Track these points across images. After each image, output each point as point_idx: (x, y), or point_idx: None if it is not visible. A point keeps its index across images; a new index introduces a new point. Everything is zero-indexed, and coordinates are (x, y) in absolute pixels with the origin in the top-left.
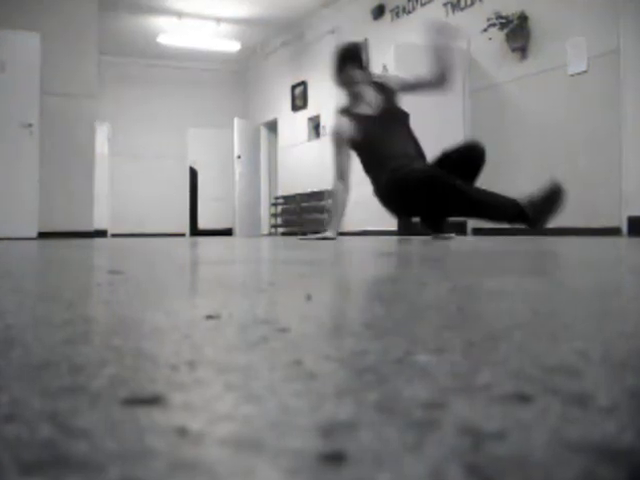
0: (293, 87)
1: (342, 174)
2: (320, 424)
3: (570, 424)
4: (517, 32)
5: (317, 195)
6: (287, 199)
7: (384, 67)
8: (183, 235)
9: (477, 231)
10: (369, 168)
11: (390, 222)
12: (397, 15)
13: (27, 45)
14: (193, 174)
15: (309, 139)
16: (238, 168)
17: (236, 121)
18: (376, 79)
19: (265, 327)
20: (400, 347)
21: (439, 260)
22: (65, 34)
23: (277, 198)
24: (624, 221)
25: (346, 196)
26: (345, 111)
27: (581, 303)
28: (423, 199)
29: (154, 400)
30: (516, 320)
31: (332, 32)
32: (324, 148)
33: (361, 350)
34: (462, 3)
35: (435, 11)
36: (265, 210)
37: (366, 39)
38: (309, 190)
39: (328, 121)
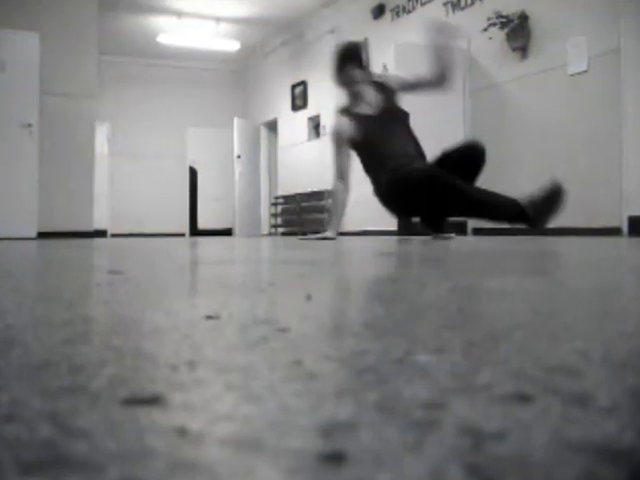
0: (293, 87)
1: (342, 174)
2: (320, 424)
3: (570, 424)
4: (517, 32)
5: (317, 195)
6: (287, 199)
7: (384, 67)
8: (183, 235)
9: (477, 231)
10: (369, 168)
11: (390, 222)
12: (397, 15)
13: (27, 45)
14: (193, 174)
15: (309, 139)
16: (238, 168)
17: (236, 121)
18: (376, 79)
19: (265, 327)
20: (400, 347)
21: (439, 260)
22: (65, 34)
23: (277, 198)
24: (624, 221)
25: (346, 196)
26: (345, 111)
27: (581, 303)
28: (423, 199)
29: (154, 400)
30: (516, 320)
31: (332, 32)
32: (324, 148)
33: (361, 350)
34: (462, 2)
35: (435, 10)
36: (265, 210)
37: (366, 39)
38: (309, 190)
39: (328, 121)
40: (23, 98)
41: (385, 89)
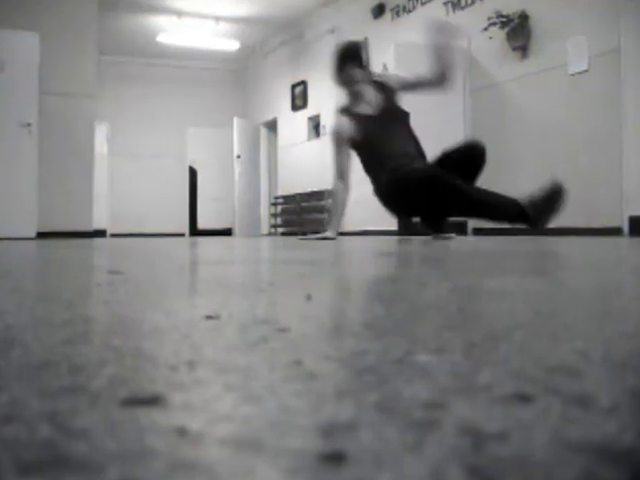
0: (293, 86)
1: (342, 174)
2: (320, 424)
3: (571, 424)
4: (518, 31)
5: (317, 195)
6: (287, 199)
7: (384, 66)
8: (182, 235)
9: (477, 231)
10: (369, 168)
11: (390, 222)
12: (397, 14)
13: (26, 45)
14: (192, 174)
15: (309, 139)
16: (238, 168)
17: (236, 120)
18: (376, 78)
19: (265, 327)
20: (400, 347)
21: (439, 260)
22: (64, 34)
23: (277, 198)
24: (625, 221)
25: (346, 196)
26: (345, 110)
27: (582, 303)
28: (423, 198)
29: (154, 400)
30: (517, 320)
31: (332, 31)
32: (324, 148)
33: (361, 350)
34: (462, 2)
35: (435, 10)
36: (265, 210)
37: (366, 38)
38: (309, 190)
39: (328, 121)
40: (22, 98)
41: (385, 89)
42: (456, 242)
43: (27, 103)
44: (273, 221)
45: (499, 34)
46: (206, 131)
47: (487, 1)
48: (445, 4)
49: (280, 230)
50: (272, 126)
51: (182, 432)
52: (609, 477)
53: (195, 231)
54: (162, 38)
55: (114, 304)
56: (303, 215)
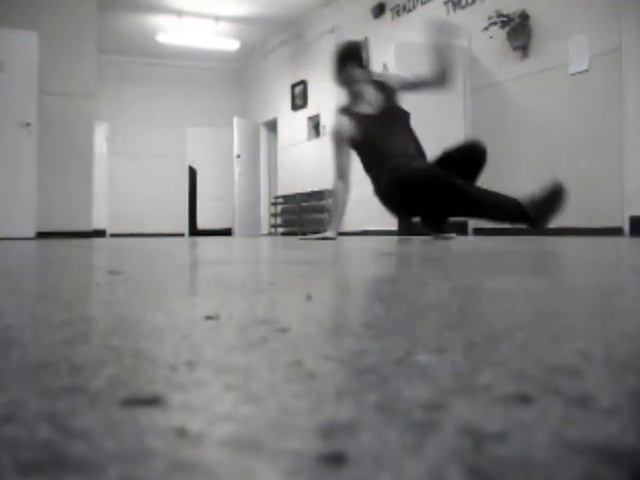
0: (293, 86)
1: (342, 173)
2: (320, 425)
3: (572, 425)
4: (518, 30)
5: (317, 195)
6: (287, 199)
7: (384, 66)
8: (182, 235)
9: (478, 231)
10: (369, 167)
11: (390, 222)
12: (397, 14)
13: (25, 44)
14: (192, 173)
15: (309, 138)
16: (237, 167)
17: (235, 120)
18: (376, 78)
19: (265, 327)
20: (400, 347)
21: (440, 260)
22: (64, 33)
23: (277, 198)
24: (626, 221)
25: (346, 195)
26: (345, 110)
27: (582, 303)
28: (424, 198)
29: (153, 401)
30: (517, 320)
31: (332, 31)
32: (324, 147)
33: (361, 350)
34: (463, 1)
35: (436, 9)
36: (265, 210)
37: (366, 38)
38: (309, 190)
39: (328, 120)
40: (22, 97)
41: (385, 88)
42: (456, 242)
43: (26, 103)
44: (273, 221)
45: (499, 33)
46: (206, 131)
47: (487, 0)
48: (445, 3)
49: (280, 230)
50: (272, 126)
51: (182, 433)
52: (610, 478)
53: (195, 231)
54: (162, 38)
55: (114, 304)
56: (303, 215)
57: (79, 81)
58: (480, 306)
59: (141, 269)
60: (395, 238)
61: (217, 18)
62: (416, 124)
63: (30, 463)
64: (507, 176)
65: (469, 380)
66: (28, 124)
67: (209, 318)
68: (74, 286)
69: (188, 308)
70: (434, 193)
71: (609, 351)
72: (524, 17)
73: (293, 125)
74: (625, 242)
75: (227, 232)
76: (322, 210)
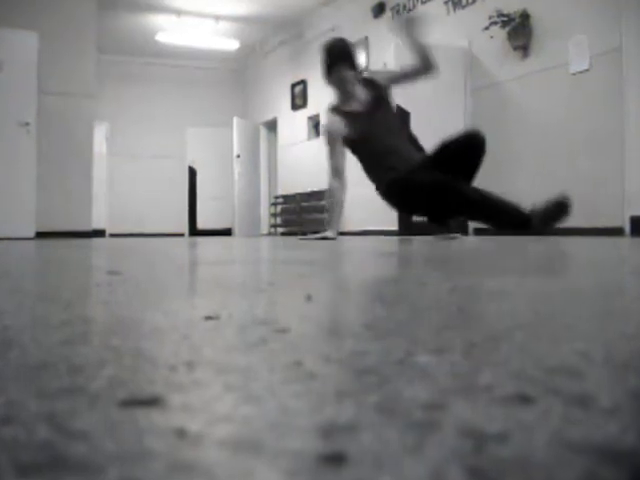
0: (293, 86)
1: (337, 172)
2: (320, 425)
3: (572, 425)
4: (519, 30)
5: (317, 194)
6: (287, 198)
7: (384, 65)
8: (182, 235)
9: (479, 231)
10: (368, 169)
11: (390, 222)
12: (397, 13)
13: (25, 44)
14: (192, 173)
15: (309, 138)
16: (237, 167)
17: (235, 120)
18: (365, 75)
19: (265, 328)
20: (401, 348)
21: (440, 260)
22: (63, 33)
23: (277, 197)
24: (627, 221)
25: (343, 194)
26: (335, 109)
27: (583, 303)
28: (426, 202)
29: (153, 401)
30: (517, 320)
31: (332, 30)
32: (324, 147)
33: (361, 351)
34: (463, 1)
35: (436, 9)
36: (265, 210)
37: (366, 37)
38: (309, 189)
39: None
40: (21, 97)
41: (374, 85)
42: (457, 242)
43: (26, 102)
44: (273, 221)
45: (500, 33)
46: (206, 131)
47: (488, 0)
48: (445, 3)
49: (280, 230)
50: (272, 126)
51: (181, 433)
52: (610, 478)
53: (194, 231)
54: (161, 37)
55: (113, 304)
56: (303, 215)
57: (79, 81)
58: (480, 306)
59: (141, 269)
60: (395, 238)
61: (217, 18)
62: (417, 124)
63: (29, 464)
64: (507, 176)
65: (469, 380)
66: (27, 124)
67: (209, 318)
68: (73, 286)
69: (188, 308)
70: (437, 199)
71: (609, 351)
72: (525, 17)
73: (293, 125)
74: (626, 242)
75: (227, 232)
76: (322, 210)
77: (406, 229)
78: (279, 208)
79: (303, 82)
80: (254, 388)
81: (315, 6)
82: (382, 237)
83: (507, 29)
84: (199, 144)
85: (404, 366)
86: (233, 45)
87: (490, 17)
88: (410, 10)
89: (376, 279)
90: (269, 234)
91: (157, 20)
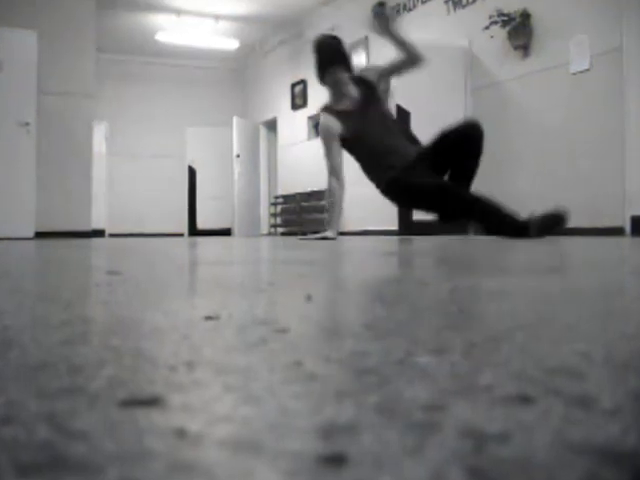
0: (293, 85)
1: (335, 172)
2: (320, 426)
3: (573, 426)
4: (519, 30)
5: (317, 194)
6: (287, 198)
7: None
8: (181, 235)
9: (478, 231)
10: (365, 167)
11: (390, 222)
12: (398, 12)
13: (24, 43)
14: (192, 173)
15: (309, 138)
16: (237, 167)
17: (235, 120)
18: (356, 74)
19: (264, 328)
20: (401, 348)
21: (440, 260)
22: (63, 32)
23: (277, 197)
24: (627, 221)
25: (342, 193)
26: (328, 109)
27: (583, 304)
28: (426, 205)
29: (153, 401)
30: (518, 321)
31: (332, 30)
32: (321, 147)
33: (361, 351)
34: (464, 0)
35: (436, 8)
36: (264, 210)
37: (366, 37)
38: (309, 189)
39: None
40: (21, 97)
41: (365, 83)
42: (457, 242)
43: (25, 102)
44: (273, 221)
45: (500, 33)
46: (205, 130)
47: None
48: (446, 2)
49: (280, 230)
50: (272, 125)
51: (181, 433)
52: (611, 479)
53: (194, 231)
54: (161, 37)
55: (113, 305)
56: (303, 215)
57: (78, 80)
58: (481, 306)
59: (140, 269)
60: (395, 238)
61: (217, 17)
62: (417, 123)
63: (29, 464)
64: (507, 175)
65: (469, 381)
66: (27, 124)
67: (209, 318)
68: (73, 286)
69: (188, 308)
70: (436, 201)
71: (610, 352)
72: (525, 16)
73: (293, 125)
74: (626, 242)
75: (227, 232)
76: (322, 210)
77: (406, 229)
78: (279, 208)
79: (303, 82)
80: (254, 388)
81: (315, 5)
82: (382, 237)
83: (507, 29)
84: (199, 144)
85: (404, 366)
86: (233, 45)
87: (490, 16)
88: (410, 10)
89: (376, 279)
90: (269, 234)
91: (157, 19)
